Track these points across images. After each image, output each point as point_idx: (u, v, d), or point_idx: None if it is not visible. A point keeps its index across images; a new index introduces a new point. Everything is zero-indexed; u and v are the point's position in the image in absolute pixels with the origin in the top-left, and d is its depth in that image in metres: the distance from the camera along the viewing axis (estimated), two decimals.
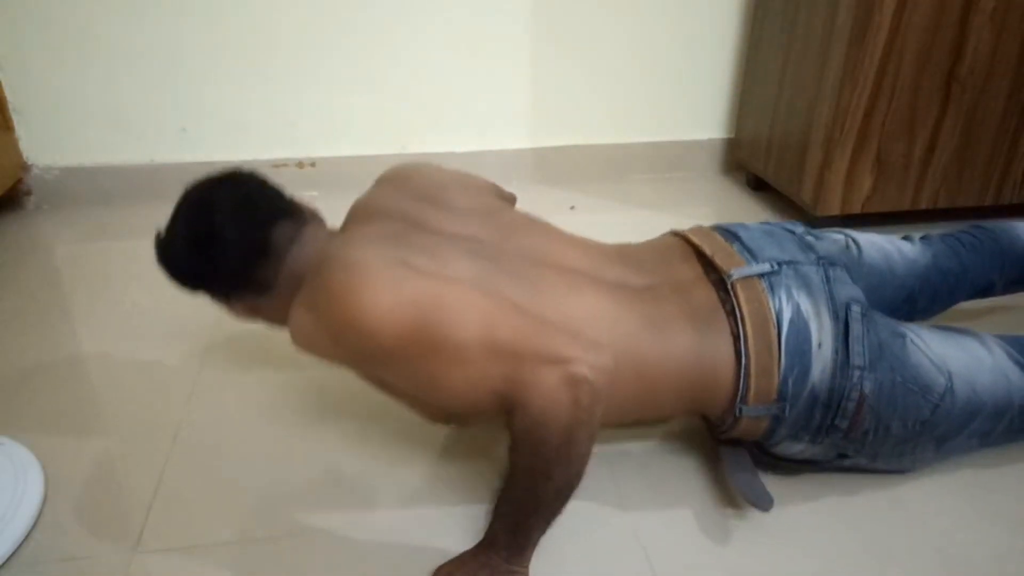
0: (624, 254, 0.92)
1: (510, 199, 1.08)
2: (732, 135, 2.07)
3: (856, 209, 1.63)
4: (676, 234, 0.98)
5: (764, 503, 0.87)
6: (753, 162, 1.92)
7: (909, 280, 1.03)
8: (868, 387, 0.82)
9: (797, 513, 0.92)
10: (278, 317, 0.86)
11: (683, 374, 0.84)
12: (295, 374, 1.19)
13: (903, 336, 0.88)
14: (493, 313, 0.74)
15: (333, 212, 1.93)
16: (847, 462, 0.92)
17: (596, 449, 1.01)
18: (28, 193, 1.82)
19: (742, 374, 0.83)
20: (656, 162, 2.08)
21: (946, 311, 1.09)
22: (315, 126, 1.87)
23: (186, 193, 0.87)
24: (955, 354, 0.89)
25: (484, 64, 1.88)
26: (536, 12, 1.84)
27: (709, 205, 1.91)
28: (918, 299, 1.04)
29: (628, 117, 2.02)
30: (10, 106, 1.73)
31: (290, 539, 0.88)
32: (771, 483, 0.95)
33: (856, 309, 0.85)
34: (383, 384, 0.85)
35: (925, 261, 1.05)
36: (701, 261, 0.91)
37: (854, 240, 1.01)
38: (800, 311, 0.84)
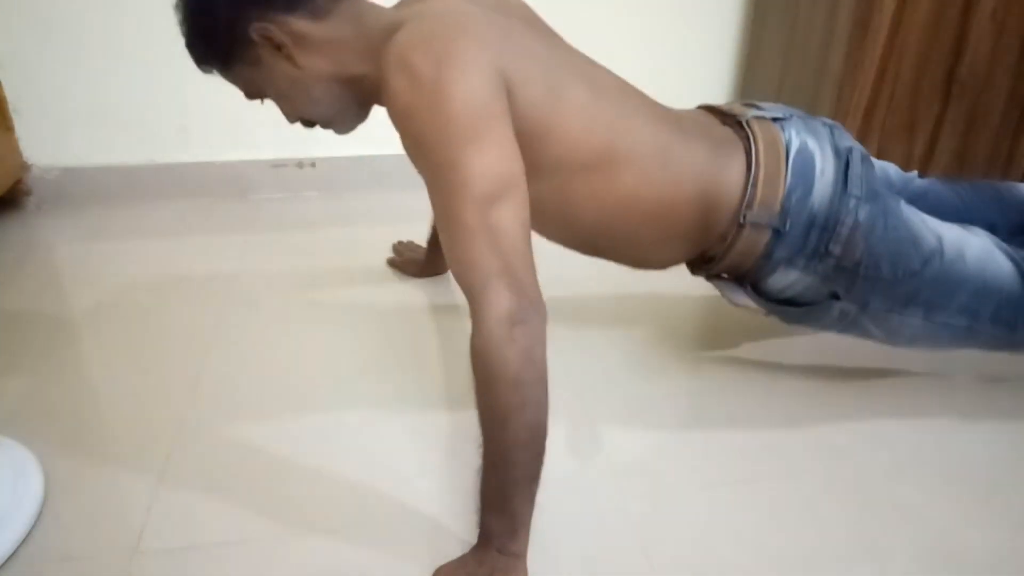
0: (651, 100, 0.99)
1: None
2: None
3: None
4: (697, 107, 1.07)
5: (754, 305, 0.96)
6: None
7: (907, 193, 1.08)
8: (863, 216, 0.90)
9: (797, 513, 0.92)
10: (326, 61, 0.85)
11: (701, 179, 0.91)
12: (295, 374, 1.19)
13: (898, 198, 0.98)
14: (513, 208, 0.74)
15: (333, 212, 1.94)
16: (836, 309, 0.96)
17: (595, 448, 1.02)
18: (28, 193, 1.82)
19: (750, 181, 0.91)
20: None
21: None
22: None
23: None
24: (946, 226, 0.97)
25: None
26: (535, 12, 1.84)
27: None
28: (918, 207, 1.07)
29: None
30: (10, 106, 1.73)
31: (290, 539, 0.88)
32: (770, 490, 0.95)
33: (857, 153, 0.94)
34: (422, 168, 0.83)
35: (922, 183, 1.12)
36: (720, 116, 1.01)
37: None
38: (807, 145, 0.93)
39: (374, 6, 0.88)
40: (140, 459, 1.00)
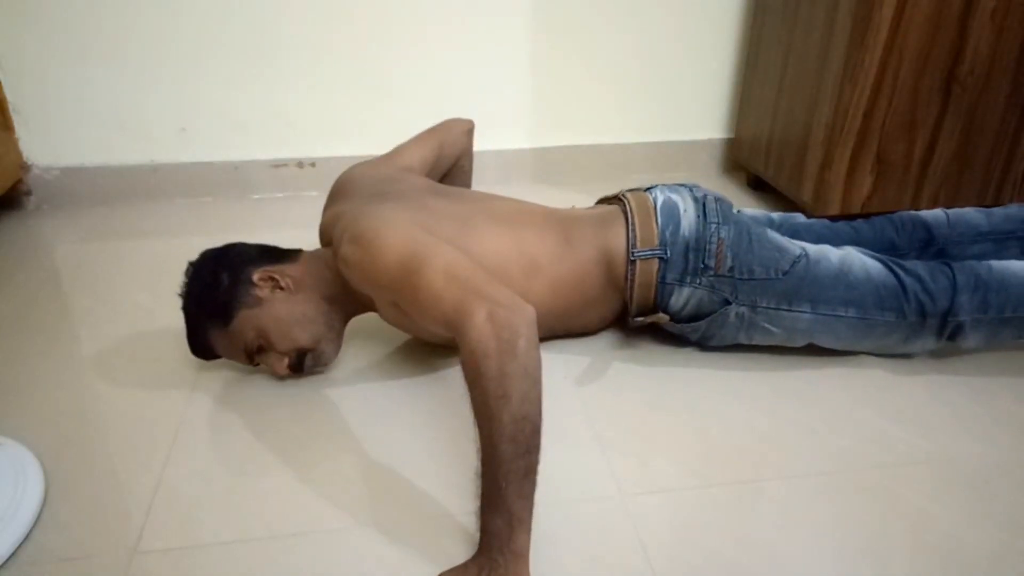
0: (547, 212, 1.23)
1: (455, 136, 1.45)
2: (732, 135, 2.07)
3: (856, 209, 1.63)
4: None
5: (658, 318, 1.18)
6: (753, 162, 1.92)
7: (784, 227, 1.30)
8: (724, 234, 1.13)
9: (797, 513, 0.92)
10: (313, 285, 1.12)
11: (597, 255, 1.15)
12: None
13: (763, 225, 1.20)
14: (459, 258, 0.94)
15: None
16: (732, 313, 1.15)
17: (595, 447, 1.02)
18: (28, 193, 1.82)
19: (630, 227, 1.15)
20: (656, 162, 2.08)
21: None
22: (315, 126, 1.87)
23: (200, 255, 1.17)
24: (811, 245, 1.18)
25: (484, 64, 1.88)
26: (536, 12, 1.84)
27: None
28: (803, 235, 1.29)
29: (628, 117, 2.02)
30: (10, 106, 1.73)
31: (290, 539, 0.88)
32: (770, 490, 0.95)
33: (711, 196, 1.19)
34: (398, 311, 1.06)
35: (807, 221, 1.33)
36: (604, 201, 1.29)
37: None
38: (670, 197, 1.18)
39: (316, 251, 1.21)
40: (140, 459, 1.00)
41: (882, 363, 1.21)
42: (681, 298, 1.16)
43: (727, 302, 1.15)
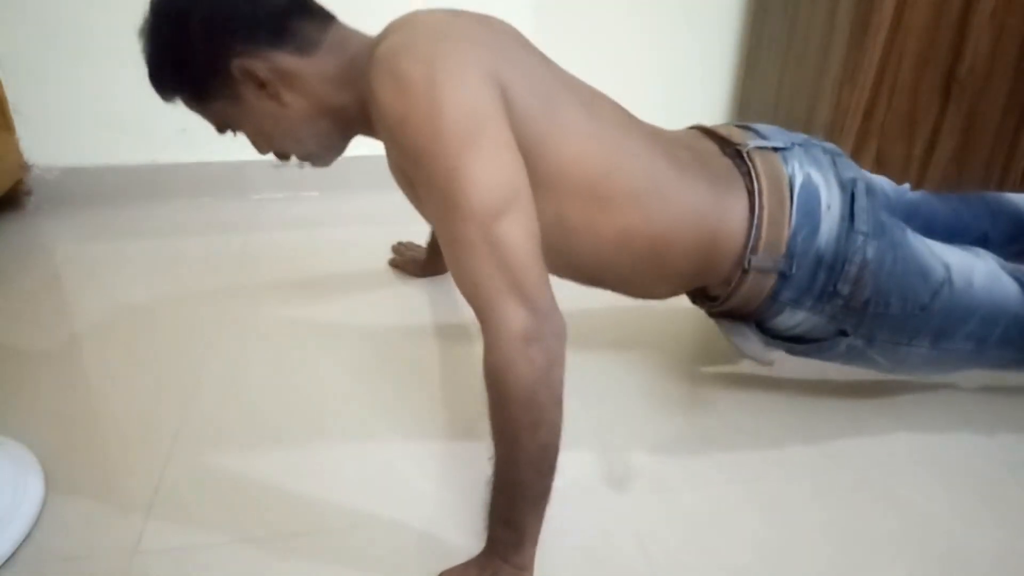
0: (651, 128, 0.96)
1: None
2: None
3: None
4: (694, 127, 1.03)
5: (763, 358, 0.90)
6: None
7: (901, 208, 1.07)
8: (871, 253, 0.87)
9: (796, 514, 0.92)
10: (312, 95, 0.81)
11: (702, 222, 0.87)
12: (296, 374, 1.19)
13: (903, 227, 0.94)
14: (525, 223, 0.71)
15: (333, 212, 1.93)
16: (844, 344, 0.93)
17: (596, 447, 1.02)
18: (28, 193, 1.82)
19: (755, 223, 0.87)
20: None
21: None
22: None
23: None
24: (952, 252, 0.95)
25: None
26: (536, 12, 1.84)
27: None
28: (913, 229, 1.05)
29: None
30: (10, 106, 1.73)
31: (290, 539, 0.88)
32: (770, 490, 0.95)
33: (862, 184, 0.91)
34: (410, 186, 0.83)
35: (916, 196, 1.10)
36: (719, 142, 0.96)
37: None
38: (811, 177, 0.89)
39: (349, 32, 0.84)
40: (140, 459, 1.00)
41: None
42: (791, 320, 0.93)
43: (843, 333, 0.93)
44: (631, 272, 0.91)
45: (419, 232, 1.51)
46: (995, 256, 0.98)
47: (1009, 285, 0.95)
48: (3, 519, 0.86)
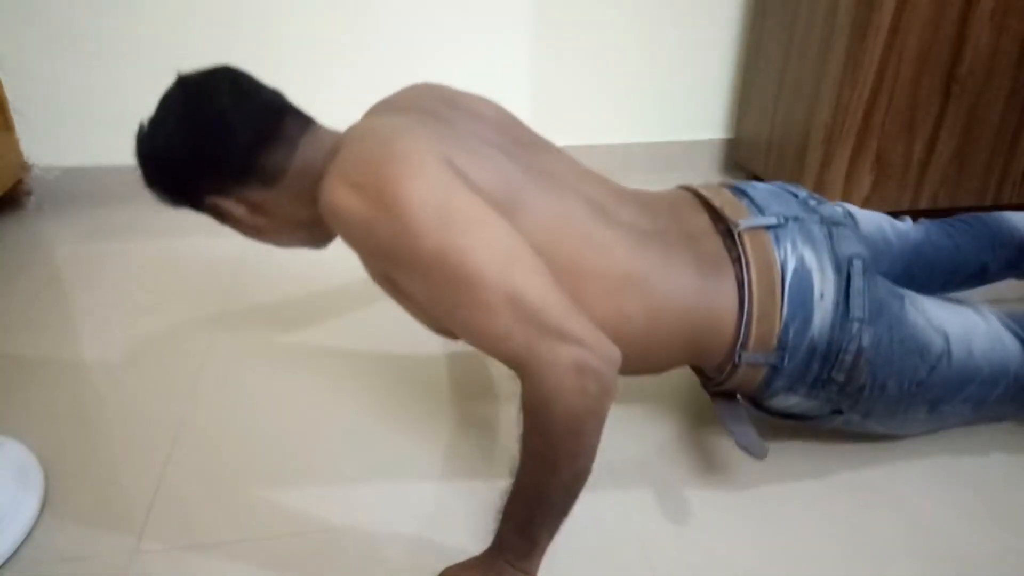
0: (637, 197, 0.92)
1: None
2: (732, 135, 2.07)
3: None
4: (687, 188, 0.98)
5: (759, 451, 0.88)
6: (753, 162, 1.92)
7: (904, 252, 1.05)
8: (867, 340, 0.84)
9: (796, 515, 0.92)
10: (282, 218, 0.81)
11: (687, 315, 0.84)
12: (296, 374, 1.19)
13: (901, 297, 0.90)
14: (533, 274, 0.70)
15: None
16: (838, 419, 0.92)
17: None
18: (28, 193, 1.82)
19: (744, 319, 0.84)
20: (656, 162, 2.08)
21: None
22: None
23: (178, 81, 0.81)
24: (952, 318, 0.91)
25: (485, 64, 1.88)
26: (536, 13, 1.84)
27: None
28: (915, 273, 1.06)
29: (628, 117, 2.02)
30: (10, 106, 1.73)
31: (290, 539, 0.88)
32: (770, 491, 0.95)
33: (858, 263, 0.87)
34: (395, 287, 0.79)
35: (918, 236, 1.08)
36: (710, 213, 0.91)
37: (850, 213, 1.03)
38: (804, 262, 0.85)
39: (317, 145, 0.82)
40: (140, 459, 1.00)
41: None
42: (785, 403, 0.91)
43: (838, 412, 0.91)
44: (627, 354, 0.84)
45: None
46: (998, 313, 0.95)
47: (1011, 345, 0.92)
48: (3, 519, 0.86)
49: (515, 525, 0.77)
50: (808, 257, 0.85)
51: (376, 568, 0.84)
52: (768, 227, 0.87)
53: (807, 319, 0.84)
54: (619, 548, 0.87)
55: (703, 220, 0.90)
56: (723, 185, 0.97)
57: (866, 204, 1.62)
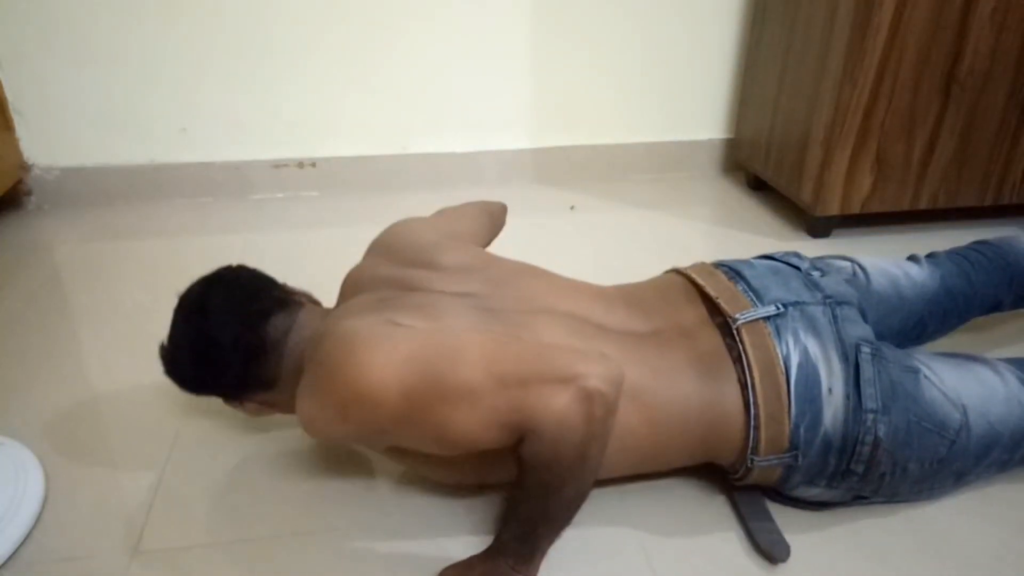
0: (626, 296, 0.91)
1: (499, 213, 1.11)
2: (732, 135, 2.07)
3: (855, 209, 1.63)
4: (679, 272, 0.96)
5: (781, 552, 0.84)
6: (753, 162, 1.92)
7: (919, 305, 1.02)
8: (883, 430, 0.81)
9: (796, 514, 0.92)
10: (291, 406, 0.83)
11: (691, 424, 0.82)
12: None
13: (916, 372, 0.86)
14: (491, 346, 0.73)
15: (333, 212, 1.94)
16: (865, 502, 0.91)
17: None
18: (28, 193, 1.82)
19: (751, 424, 0.81)
20: (656, 162, 2.08)
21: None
22: (315, 126, 1.87)
23: (179, 304, 0.90)
24: (968, 385, 0.87)
25: (484, 64, 1.88)
26: (536, 13, 1.84)
27: (709, 205, 1.91)
28: (928, 323, 1.04)
29: (628, 117, 2.02)
30: (10, 106, 1.73)
31: (290, 539, 0.88)
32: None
33: (866, 350, 0.83)
34: (398, 452, 0.83)
35: (934, 285, 1.04)
36: (706, 303, 0.89)
37: (861, 267, 1.00)
38: (808, 355, 0.82)
39: (303, 338, 0.85)
40: (140, 459, 1.00)
41: None
42: (808, 493, 0.88)
43: (863, 498, 0.89)
44: (629, 468, 0.88)
45: None
46: (1014, 370, 0.92)
47: None
48: (3, 519, 0.86)
49: (516, 532, 0.78)
50: (813, 348, 0.83)
51: (376, 568, 0.84)
52: (767, 318, 0.84)
53: (817, 416, 0.81)
54: (619, 548, 0.87)
55: (698, 313, 0.89)
56: (717, 266, 0.94)
57: (866, 204, 1.62)
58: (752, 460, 0.83)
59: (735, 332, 0.84)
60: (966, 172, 1.63)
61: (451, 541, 0.87)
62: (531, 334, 0.80)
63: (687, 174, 2.09)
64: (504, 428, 0.70)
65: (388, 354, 0.72)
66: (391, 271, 0.90)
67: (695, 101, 2.03)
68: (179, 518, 0.91)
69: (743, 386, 0.82)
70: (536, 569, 0.80)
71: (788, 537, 0.87)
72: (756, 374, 0.81)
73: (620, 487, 0.95)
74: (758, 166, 1.90)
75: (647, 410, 0.81)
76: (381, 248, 0.97)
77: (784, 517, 0.90)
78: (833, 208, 1.62)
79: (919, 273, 1.05)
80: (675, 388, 0.82)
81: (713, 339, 0.85)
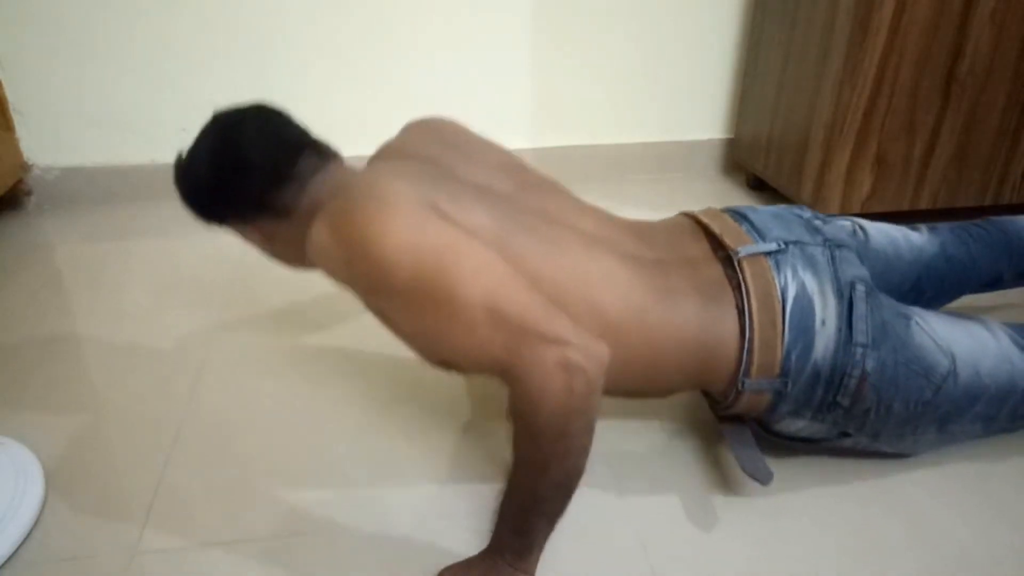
0: (637, 228, 0.94)
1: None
2: (732, 135, 2.07)
3: (855, 209, 1.63)
4: (687, 215, 1.00)
5: (764, 477, 0.88)
6: (753, 162, 1.92)
7: (916, 267, 1.05)
8: (871, 365, 0.84)
9: (796, 515, 0.92)
10: (292, 246, 0.86)
11: (688, 345, 0.85)
12: (296, 374, 1.19)
13: (908, 317, 0.89)
14: (505, 282, 0.74)
15: None
16: (847, 441, 0.93)
17: (595, 448, 1.02)
18: (28, 193, 1.82)
19: (745, 347, 0.84)
20: (656, 162, 2.08)
21: (952, 303, 1.10)
22: (315, 126, 1.86)
23: (213, 118, 0.87)
24: (960, 337, 0.90)
25: (485, 64, 1.88)
26: (537, 13, 1.84)
27: (709, 205, 1.90)
28: (925, 288, 1.05)
29: (628, 117, 2.02)
30: (10, 106, 1.73)
31: (290, 539, 0.88)
32: (770, 491, 0.95)
33: (861, 288, 0.87)
34: (386, 319, 0.84)
35: (932, 250, 1.07)
36: (710, 240, 0.92)
37: (861, 227, 1.03)
38: (805, 288, 0.85)
39: (328, 183, 0.86)
40: (140, 459, 1.01)
41: None
42: (793, 427, 0.92)
43: (846, 435, 0.92)
44: (621, 389, 0.89)
45: None
46: (1009, 331, 0.94)
47: (1019, 363, 0.92)
48: (3, 519, 0.86)
49: (511, 525, 0.78)
50: (809, 283, 0.86)
51: (377, 568, 0.84)
52: (768, 253, 0.87)
53: (809, 346, 0.84)
54: (619, 548, 0.87)
55: (703, 247, 0.92)
56: (724, 210, 0.97)
57: (866, 204, 1.62)
58: (743, 383, 0.85)
59: (736, 264, 0.87)
60: (966, 172, 1.63)
61: (451, 541, 0.87)
62: (550, 244, 0.81)
63: (687, 174, 2.09)
64: (493, 361, 0.72)
65: (414, 234, 0.72)
66: (431, 148, 0.90)
67: (695, 101, 2.03)
68: (179, 518, 0.91)
69: (740, 312, 0.85)
70: (534, 565, 0.80)
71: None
72: (754, 301, 0.84)
73: (620, 486, 0.95)
74: (758, 166, 1.90)
75: (647, 329, 0.83)
76: (422, 126, 0.97)
77: (781, 518, 0.90)
78: (833, 208, 1.62)
79: (919, 238, 1.08)
80: (675, 310, 0.84)
81: (715, 270, 0.88)
